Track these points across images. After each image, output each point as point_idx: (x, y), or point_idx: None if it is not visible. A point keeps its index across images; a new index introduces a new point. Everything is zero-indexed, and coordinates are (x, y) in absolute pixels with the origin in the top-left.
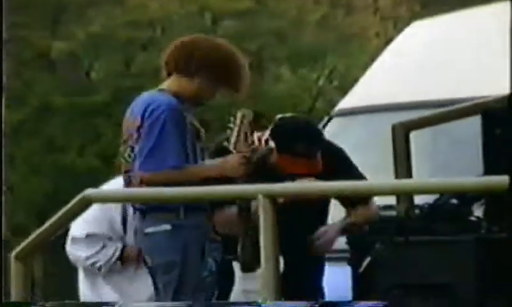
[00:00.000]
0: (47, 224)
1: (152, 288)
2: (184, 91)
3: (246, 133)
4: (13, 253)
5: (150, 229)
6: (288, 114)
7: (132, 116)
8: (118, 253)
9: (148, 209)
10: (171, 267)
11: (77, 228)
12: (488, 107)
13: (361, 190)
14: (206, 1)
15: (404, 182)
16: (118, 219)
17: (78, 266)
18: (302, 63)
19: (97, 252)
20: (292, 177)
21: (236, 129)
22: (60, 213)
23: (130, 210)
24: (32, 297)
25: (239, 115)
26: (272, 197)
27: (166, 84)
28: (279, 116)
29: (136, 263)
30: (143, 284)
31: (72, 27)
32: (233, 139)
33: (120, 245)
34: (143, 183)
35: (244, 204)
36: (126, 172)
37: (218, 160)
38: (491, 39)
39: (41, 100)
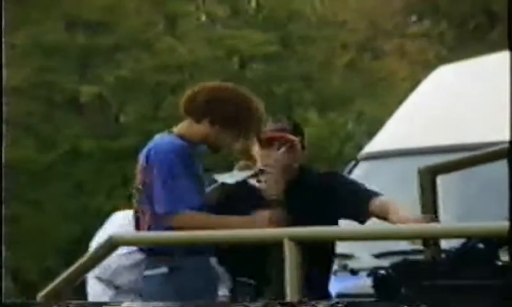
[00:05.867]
0: (73, 268)
1: None
2: (191, 134)
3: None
4: (40, 295)
5: (148, 272)
6: None
7: (140, 158)
8: None
9: (150, 252)
10: None
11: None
12: None
13: (388, 234)
14: (234, 45)
15: (423, 227)
16: None
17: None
18: (330, 107)
19: None
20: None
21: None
22: (86, 256)
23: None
24: None
25: (240, 164)
26: (297, 241)
27: (178, 126)
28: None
29: None
30: None
31: (100, 71)
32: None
33: None
34: (169, 226)
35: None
36: (136, 212)
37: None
38: None
39: (71, 143)
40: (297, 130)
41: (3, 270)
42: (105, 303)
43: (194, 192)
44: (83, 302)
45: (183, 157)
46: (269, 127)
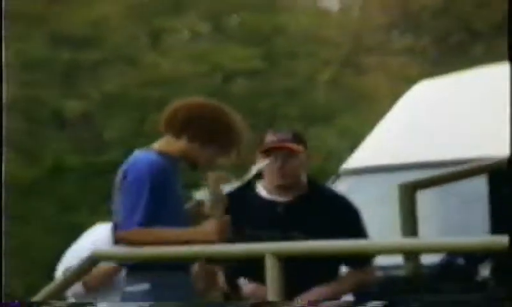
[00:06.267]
0: (55, 282)
1: None
2: (171, 150)
3: (218, 197)
4: None
5: (129, 288)
6: None
7: (119, 173)
8: None
9: (130, 267)
10: None
11: None
12: (494, 167)
13: (368, 249)
14: (218, 61)
15: (403, 242)
16: None
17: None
18: (313, 122)
19: None
20: None
21: (209, 192)
22: (69, 272)
23: None
24: None
25: (210, 179)
26: (279, 256)
27: (158, 142)
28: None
29: None
30: None
31: (84, 86)
32: (207, 203)
33: None
34: (118, 242)
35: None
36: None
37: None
38: (499, 99)
39: (54, 158)
40: (298, 139)
41: (3, 271)
42: (82, 304)
43: (146, 211)
44: (67, 302)
45: (157, 173)
46: (269, 138)
